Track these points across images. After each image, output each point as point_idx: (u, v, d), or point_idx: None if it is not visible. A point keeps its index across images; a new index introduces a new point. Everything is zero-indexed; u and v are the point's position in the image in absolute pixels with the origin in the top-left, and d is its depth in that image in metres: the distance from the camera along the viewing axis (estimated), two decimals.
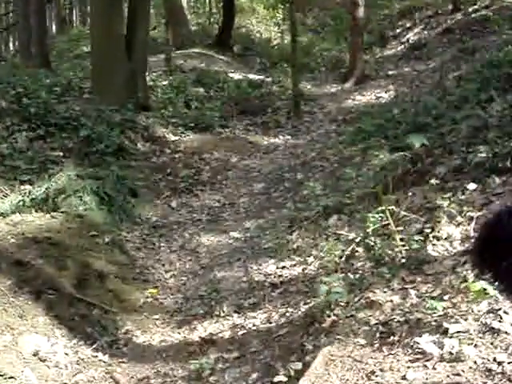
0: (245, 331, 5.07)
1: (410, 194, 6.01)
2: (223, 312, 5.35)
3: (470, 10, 20.02)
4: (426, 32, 20.95)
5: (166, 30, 17.01)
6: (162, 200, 8.53)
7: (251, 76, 15.58)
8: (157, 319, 5.70)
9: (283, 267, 6.11)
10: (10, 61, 19.45)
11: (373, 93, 14.17)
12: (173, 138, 10.59)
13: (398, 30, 22.39)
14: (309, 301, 5.04)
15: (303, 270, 5.89)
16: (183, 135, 10.76)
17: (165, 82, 12.85)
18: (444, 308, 3.74)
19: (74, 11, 32.85)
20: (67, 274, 5.85)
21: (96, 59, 11.06)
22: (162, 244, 7.31)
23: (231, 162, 9.91)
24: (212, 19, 22.81)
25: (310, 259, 6.07)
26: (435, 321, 3.68)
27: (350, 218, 6.52)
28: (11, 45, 31.14)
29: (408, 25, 22.55)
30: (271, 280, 5.89)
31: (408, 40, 21.12)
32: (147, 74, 12.19)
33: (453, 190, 5.48)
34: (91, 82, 11.17)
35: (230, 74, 15.20)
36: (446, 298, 3.91)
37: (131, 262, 6.80)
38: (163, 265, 6.81)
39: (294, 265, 6.09)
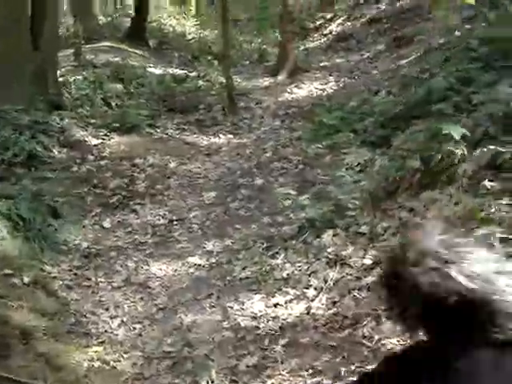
0: None
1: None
2: (212, 383, 3.73)
3: None
4: (349, 23, 20.07)
5: (73, 23, 15.04)
6: (91, 219, 6.76)
7: (173, 71, 13.93)
8: None
9: (276, 305, 4.58)
10: None
11: (311, 85, 12.89)
12: (94, 141, 8.79)
13: (318, 22, 21.46)
14: (340, 360, 3.53)
15: (307, 308, 4.38)
16: (107, 138, 8.98)
17: (78, 77, 10.94)
18: None
19: None
20: None
21: None
22: (100, 279, 5.58)
23: (170, 167, 8.24)
24: (120, 12, 20.82)
25: (311, 292, 4.58)
26: None
27: (349, 234, 5.08)
28: None
29: (329, 16, 21.65)
30: (265, 325, 4.34)
31: (331, 32, 20.18)
32: None
33: None
34: None
35: (150, 69, 13.47)
36: None
37: (62, 308, 5.04)
38: (106, 309, 5.10)
39: (291, 301, 4.57)
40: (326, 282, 4.58)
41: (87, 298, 5.27)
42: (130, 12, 19.02)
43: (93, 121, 9.36)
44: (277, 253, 5.25)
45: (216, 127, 10.18)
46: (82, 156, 8.16)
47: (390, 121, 7.51)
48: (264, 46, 17.52)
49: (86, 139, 8.75)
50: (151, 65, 14.24)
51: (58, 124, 8.69)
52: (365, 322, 3.76)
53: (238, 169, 7.96)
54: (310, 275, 4.77)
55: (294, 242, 5.28)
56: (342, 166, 6.89)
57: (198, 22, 21.38)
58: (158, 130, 9.60)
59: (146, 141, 9.05)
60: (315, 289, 4.60)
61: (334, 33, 19.76)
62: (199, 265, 5.58)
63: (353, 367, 3.37)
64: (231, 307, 4.69)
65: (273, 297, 4.68)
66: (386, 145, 7.07)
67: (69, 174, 7.58)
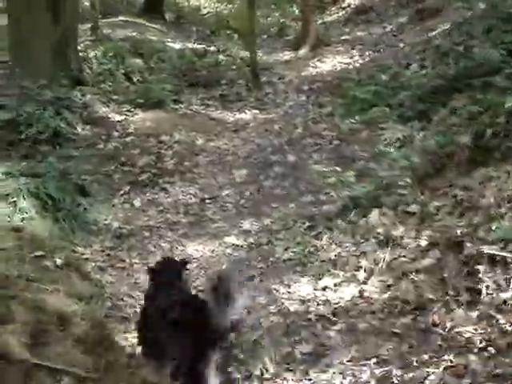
0: None
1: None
2: (266, 371, 3.51)
3: None
4: None
5: None
6: (120, 198, 6.54)
7: (192, 45, 13.61)
8: None
9: (325, 288, 4.35)
10: None
11: (334, 59, 12.53)
12: (118, 117, 8.54)
13: None
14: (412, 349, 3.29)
15: (360, 291, 4.14)
16: (130, 114, 8.72)
17: (98, 52, 10.65)
18: None
19: None
20: (13, 329, 3.84)
21: (15, 24, 8.69)
22: (134, 260, 5.36)
23: (197, 144, 7.98)
24: None
25: (361, 274, 4.34)
26: None
27: (398, 213, 4.81)
28: None
29: None
30: (316, 310, 4.10)
31: (349, 5, 19.72)
32: None
33: None
34: (10, 54, 8.83)
35: (169, 44, 13.16)
36: None
37: (98, 291, 4.82)
38: (143, 291, 4.87)
39: (341, 283, 4.34)
40: (377, 263, 4.34)
41: (122, 281, 5.06)
42: None
43: (115, 96, 9.10)
44: (320, 233, 5.00)
45: (240, 102, 9.89)
46: (107, 133, 7.92)
47: (428, 95, 7.21)
48: (283, 20, 17.12)
49: (110, 115, 8.50)
50: (170, 39, 13.94)
51: (81, 100, 8.45)
52: (432, 308, 3.52)
53: (268, 145, 7.68)
54: (358, 256, 4.53)
55: (338, 221, 5.03)
56: (380, 141, 6.62)
57: None
58: (183, 106, 9.33)
59: (171, 116, 8.78)
60: (365, 271, 4.36)
61: (352, 6, 19.27)
62: (237, 245, 5.34)
63: (426, 356, 3.13)
64: (277, 290, 4.46)
65: (320, 279, 4.45)
66: (425, 119, 6.79)
67: (95, 151, 7.35)
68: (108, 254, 5.42)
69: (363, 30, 15.64)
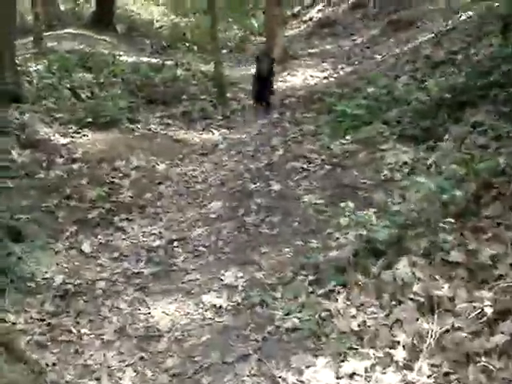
0: None
1: None
2: None
3: None
4: (330, 9, 18.85)
5: (31, 9, 13.23)
6: (65, 242, 5.21)
7: (146, 59, 12.35)
8: None
9: (352, 375, 3.12)
10: None
11: (305, 72, 11.48)
12: (63, 139, 7.20)
13: (295, 9, 20.16)
14: None
15: (403, 380, 2.94)
16: (78, 135, 7.39)
17: (39, 67, 9.27)
18: None
19: None
20: None
21: None
22: (83, 330, 4.04)
23: (159, 170, 6.72)
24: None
25: (399, 353, 3.13)
26: None
27: (434, 263, 3.65)
28: None
29: (308, 1, 20.37)
30: None
31: (311, 18, 18.95)
32: None
33: None
34: None
35: (121, 57, 11.85)
36: None
37: (35, 379, 3.51)
38: (97, 379, 3.57)
39: (373, 367, 3.12)
40: (421, 338, 3.14)
41: (68, 361, 3.75)
42: None
43: (60, 115, 7.75)
44: (332, 291, 3.78)
45: (206, 120, 8.68)
46: (49, 158, 6.57)
47: (431, 109, 6.13)
48: (243, 34, 16.04)
49: (53, 137, 7.15)
50: (122, 52, 12.66)
51: (18, 119, 7.07)
52: None
53: (244, 171, 6.46)
54: (392, 327, 3.33)
55: (353, 274, 3.81)
56: (383, 166, 5.47)
57: (167, 9, 19.80)
58: (140, 125, 8.04)
59: (126, 138, 7.48)
60: (405, 348, 3.16)
61: (314, 19, 18.50)
62: (220, 307, 4.07)
63: None
64: (283, 379, 3.21)
65: (343, 361, 3.22)
66: (434, 139, 5.70)
67: (33, 182, 5.99)
68: (49, 324, 4.08)
69: (331, 43, 14.75)
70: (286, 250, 4.55)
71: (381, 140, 5.99)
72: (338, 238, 4.36)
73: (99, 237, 5.29)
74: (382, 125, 6.31)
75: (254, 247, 4.77)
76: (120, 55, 12.13)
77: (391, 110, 6.69)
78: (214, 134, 8.09)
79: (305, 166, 6.01)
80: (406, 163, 5.40)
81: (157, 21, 18.55)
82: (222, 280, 4.42)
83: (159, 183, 6.37)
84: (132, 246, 5.16)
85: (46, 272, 4.74)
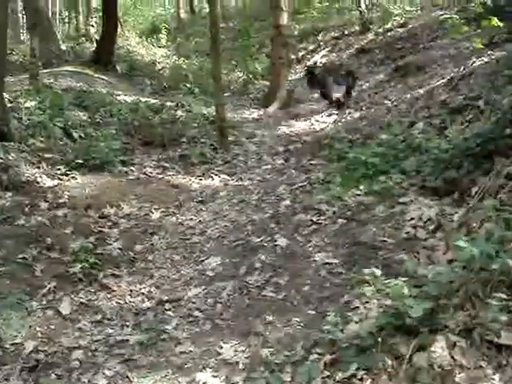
0: None
1: None
2: None
3: (381, 30, 18.01)
4: (334, 54, 18.58)
5: (29, 45, 12.82)
6: (41, 300, 4.55)
7: (146, 99, 11.84)
8: None
9: None
10: None
11: (311, 117, 10.97)
12: (49, 182, 6.60)
13: (300, 53, 19.87)
14: None
15: None
16: (66, 178, 6.80)
17: (31, 103, 8.74)
18: None
19: None
20: None
21: None
22: None
23: (153, 219, 6.09)
24: (84, 37, 18.69)
25: None
26: None
27: (478, 345, 2.99)
28: None
29: (311, 47, 20.10)
30: None
31: (315, 63, 18.62)
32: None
33: None
34: None
35: (119, 97, 11.36)
36: None
37: None
38: None
39: None
40: None
41: None
42: (95, 37, 16.97)
43: (48, 155, 7.17)
44: (354, 376, 3.11)
45: (205, 165, 8.09)
46: (32, 203, 5.96)
47: (454, 159, 5.55)
48: (246, 77, 15.62)
49: (39, 179, 6.55)
50: (121, 92, 12.18)
51: (1, 159, 6.48)
52: None
53: (246, 222, 5.84)
54: None
55: (379, 355, 3.15)
56: (404, 222, 4.85)
57: (171, 51, 19.49)
58: (134, 169, 7.45)
59: (118, 182, 6.88)
60: None
61: (319, 64, 18.16)
62: None
63: None
64: None
65: None
66: (458, 191, 5.11)
67: (12, 229, 5.37)
68: None
69: None
70: (296, 320, 3.89)
71: (399, 192, 5.39)
72: (357, 308, 3.71)
73: (80, 295, 4.64)
74: (399, 175, 5.73)
75: (257, 314, 4.11)
76: (118, 95, 11.66)
77: (408, 158, 6.12)
78: (213, 179, 7.50)
79: (315, 219, 5.39)
80: (430, 219, 4.78)
81: (159, 62, 18.20)
82: (219, 354, 3.76)
83: (152, 233, 5.75)
84: (117, 308, 4.50)
85: (15, 336, 4.07)
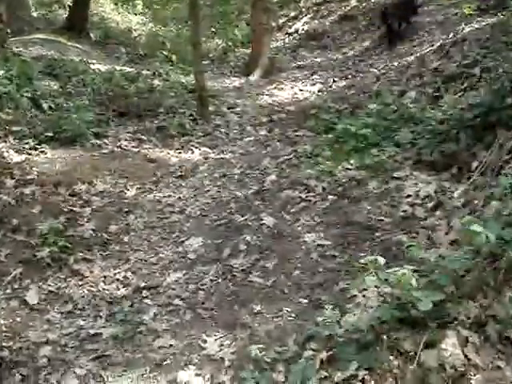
0: None
1: None
2: None
3: None
4: (316, 21, 18.01)
5: None
6: (6, 288, 4.15)
7: (121, 68, 11.29)
8: None
9: None
10: None
11: (294, 86, 10.54)
12: (17, 157, 6.13)
13: (281, 21, 19.27)
14: None
15: None
16: (35, 152, 6.33)
17: None
18: None
19: None
20: None
21: None
22: None
23: (128, 196, 5.67)
24: (57, 4, 17.88)
25: None
26: None
27: (496, 341, 2.67)
28: None
29: (292, 14, 19.51)
30: None
31: (297, 30, 18.08)
32: None
33: None
34: None
35: (93, 66, 10.80)
36: None
37: None
38: None
39: None
40: None
41: None
42: (68, 3, 16.23)
43: (16, 128, 6.67)
44: (354, 376, 2.77)
45: (184, 137, 7.64)
46: None
47: (451, 131, 5.19)
48: (228, 44, 15.08)
49: (5, 154, 6.08)
50: (94, 60, 11.59)
51: None
52: None
53: (229, 199, 5.45)
54: None
55: (382, 353, 2.81)
56: (400, 198, 4.49)
57: (147, 18, 18.78)
58: (108, 142, 6.98)
59: (91, 156, 6.42)
60: None
61: (300, 31, 17.63)
62: None
63: None
64: None
65: None
66: (457, 166, 4.76)
67: None
68: None
69: (320, 55, 13.84)
70: (286, 309, 3.54)
71: (393, 166, 5.03)
72: (354, 297, 3.35)
73: (49, 283, 4.24)
74: (393, 147, 5.36)
75: (243, 303, 3.74)
76: (92, 63, 11.08)
77: (401, 130, 5.74)
78: (193, 152, 7.07)
79: (303, 196, 5.01)
80: (428, 196, 4.43)
81: (135, 29, 17.52)
82: (202, 348, 3.39)
83: (127, 212, 5.33)
84: (89, 296, 4.10)
85: None
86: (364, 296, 3.28)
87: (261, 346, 3.19)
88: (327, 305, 3.19)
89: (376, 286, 3.17)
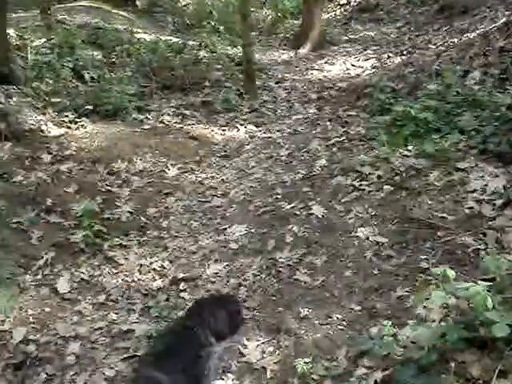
0: None
1: None
2: None
3: None
4: None
5: None
6: (36, 273, 3.91)
7: (166, 38, 10.96)
8: None
9: None
10: None
11: (346, 61, 10.05)
12: (55, 131, 5.89)
13: None
14: None
15: None
16: (75, 126, 6.08)
17: (41, 41, 7.95)
18: None
19: None
20: None
21: None
22: None
23: (169, 176, 5.37)
24: None
25: None
26: None
27: None
28: None
29: None
30: None
31: (349, 2, 17.38)
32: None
33: None
34: None
35: (138, 35, 10.51)
36: None
37: None
38: None
39: None
40: None
41: None
42: None
43: (56, 100, 6.43)
44: None
45: (230, 113, 7.32)
46: (34, 155, 5.26)
47: None
48: (278, 14, 14.58)
49: (43, 128, 5.84)
50: (140, 30, 11.29)
51: (1, 104, 5.77)
52: None
53: (275, 184, 5.10)
54: None
55: (447, 378, 2.44)
56: (465, 193, 4.06)
57: None
58: (150, 117, 6.70)
59: (132, 132, 6.14)
60: None
61: (353, 3, 16.95)
62: None
63: None
64: None
65: None
66: None
67: (7, 186, 4.69)
68: None
69: (372, 29, 13.23)
70: (337, 316, 3.19)
71: (457, 155, 4.57)
72: (415, 307, 2.98)
73: (81, 270, 3.98)
74: (456, 134, 4.89)
75: (288, 304, 3.41)
76: (137, 32, 10.79)
77: (465, 114, 5.26)
78: (239, 130, 6.72)
79: (356, 184, 4.61)
80: (496, 192, 3.98)
81: None
82: (242, 355, 3.08)
83: (167, 194, 5.04)
84: (124, 287, 3.84)
85: (2, 321, 3.44)
86: (425, 307, 2.90)
87: (307, 359, 2.85)
88: (383, 316, 2.83)
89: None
